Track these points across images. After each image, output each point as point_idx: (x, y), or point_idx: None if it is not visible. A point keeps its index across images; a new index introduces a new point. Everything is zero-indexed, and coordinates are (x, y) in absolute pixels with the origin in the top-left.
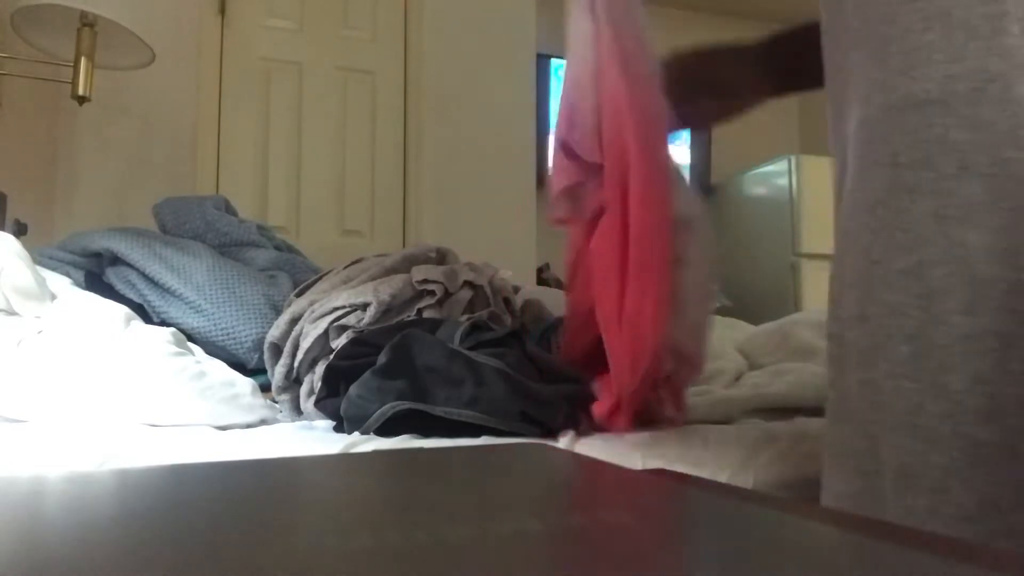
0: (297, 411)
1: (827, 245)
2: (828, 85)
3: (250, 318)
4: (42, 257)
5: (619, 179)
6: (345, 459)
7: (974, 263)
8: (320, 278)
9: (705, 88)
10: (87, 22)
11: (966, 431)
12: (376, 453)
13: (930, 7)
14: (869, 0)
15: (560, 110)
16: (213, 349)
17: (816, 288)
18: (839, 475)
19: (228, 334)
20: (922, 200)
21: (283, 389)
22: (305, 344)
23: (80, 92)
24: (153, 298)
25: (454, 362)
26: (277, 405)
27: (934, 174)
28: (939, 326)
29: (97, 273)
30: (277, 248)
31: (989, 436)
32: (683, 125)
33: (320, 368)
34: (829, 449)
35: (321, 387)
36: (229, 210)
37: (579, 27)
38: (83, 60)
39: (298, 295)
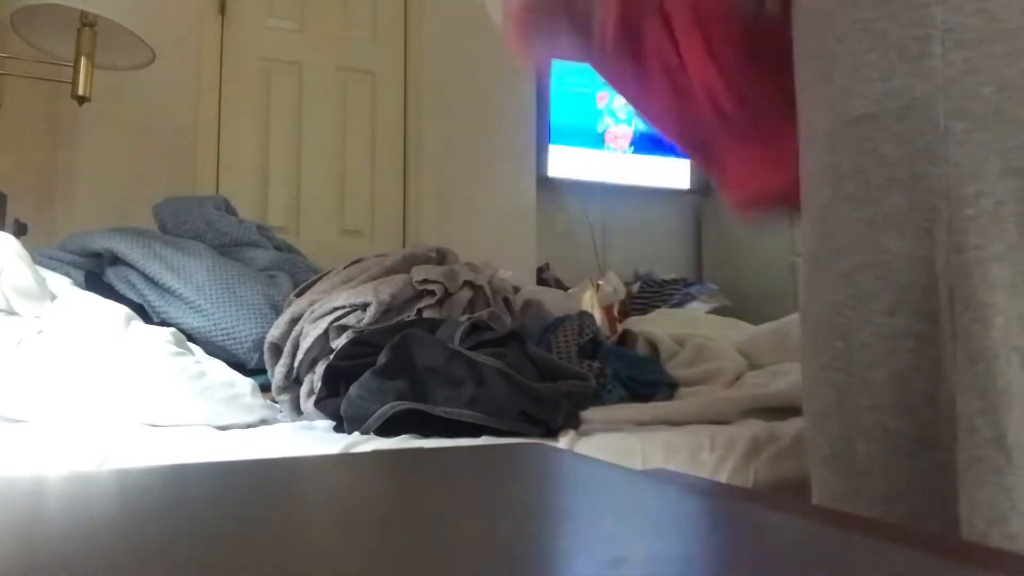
0: (297, 411)
1: None
2: (799, 99)
3: (250, 318)
4: (42, 257)
5: None
6: (345, 459)
7: (896, 268)
8: (320, 278)
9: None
10: (87, 22)
11: (885, 422)
12: (376, 453)
13: (872, 28)
14: (825, 20)
15: None
16: (213, 349)
17: None
18: (816, 463)
19: (228, 334)
20: (858, 208)
21: (283, 389)
22: (305, 344)
23: (80, 92)
24: (153, 298)
25: (454, 362)
26: (277, 405)
27: (867, 185)
28: (867, 325)
29: (97, 273)
30: (277, 248)
31: (904, 428)
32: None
33: (320, 368)
34: (804, 438)
35: (321, 387)
36: (229, 210)
37: None
38: (83, 60)
39: (298, 295)
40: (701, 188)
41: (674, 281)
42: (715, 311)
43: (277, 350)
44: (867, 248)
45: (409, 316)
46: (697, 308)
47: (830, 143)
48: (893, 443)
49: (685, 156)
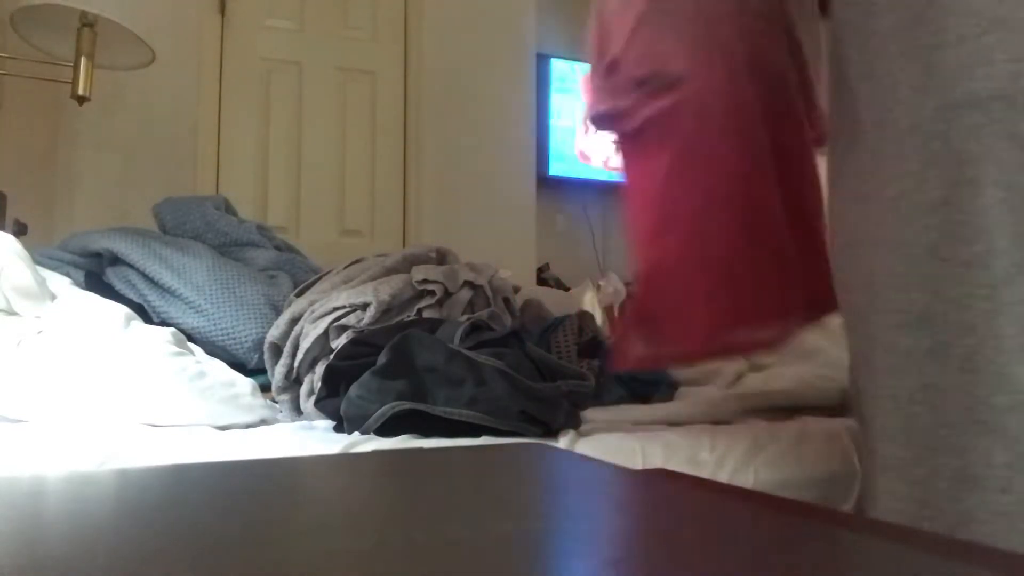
0: (297, 411)
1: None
2: (837, 104)
3: (250, 318)
4: (42, 257)
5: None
6: (345, 459)
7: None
8: (320, 278)
9: None
10: (87, 22)
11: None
12: (376, 453)
13: (984, 14)
14: (915, 15)
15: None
16: (213, 349)
17: None
18: (887, 487)
19: (228, 334)
20: (987, 192)
21: (283, 389)
22: (305, 344)
23: (80, 92)
24: (153, 298)
25: (454, 362)
26: (277, 405)
27: (998, 168)
28: (1004, 316)
29: (97, 273)
30: (277, 248)
31: None
32: None
33: (320, 368)
34: (869, 460)
35: (321, 387)
36: (229, 210)
37: None
38: (83, 60)
39: (298, 295)
40: None
41: None
42: None
43: (277, 350)
44: (1002, 231)
45: (409, 316)
46: None
47: (937, 133)
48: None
49: None
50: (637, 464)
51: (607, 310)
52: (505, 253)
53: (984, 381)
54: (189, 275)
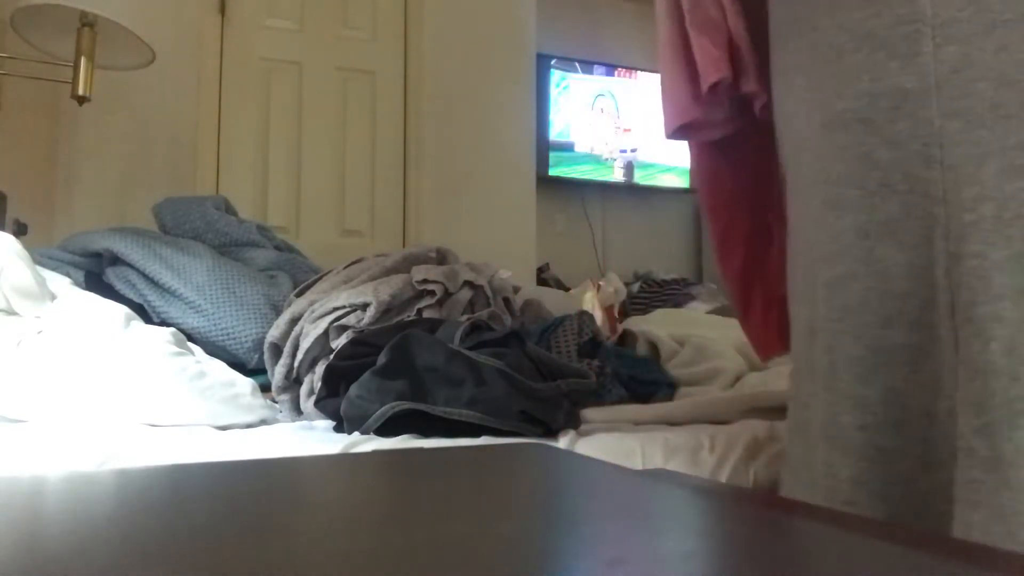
0: (297, 411)
1: None
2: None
3: (250, 318)
4: (42, 257)
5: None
6: (345, 459)
7: (892, 278)
8: (320, 278)
9: None
10: (87, 22)
11: (877, 442)
12: (376, 453)
13: (859, 28)
14: (806, 25)
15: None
16: (213, 349)
17: None
18: (798, 490)
19: (228, 334)
20: (846, 216)
21: (283, 389)
22: (305, 344)
23: (80, 92)
24: (153, 298)
25: (454, 362)
26: (277, 405)
27: (859, 191)
28: (858, 339)
29: (97, 273)
30: (277, 248)
31: (898, 445)
32: None
33: (320, 368)
34: (787, 462)
35: (321, 387)
36: (229, 210)
37: None
38: (83, 60)
39: (298, 295)
40: None
41: (674, 281)
42: (715, 311)
43: (277, 350)
44: (858, 257)
45: (409, 316)
46: (697, 308)
47: (818, 149)
48: (886, 463)
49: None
50: (637, 464)
51: (607, 310)
52: (505, 253)
53: (838, 400)
54: (189, 275)
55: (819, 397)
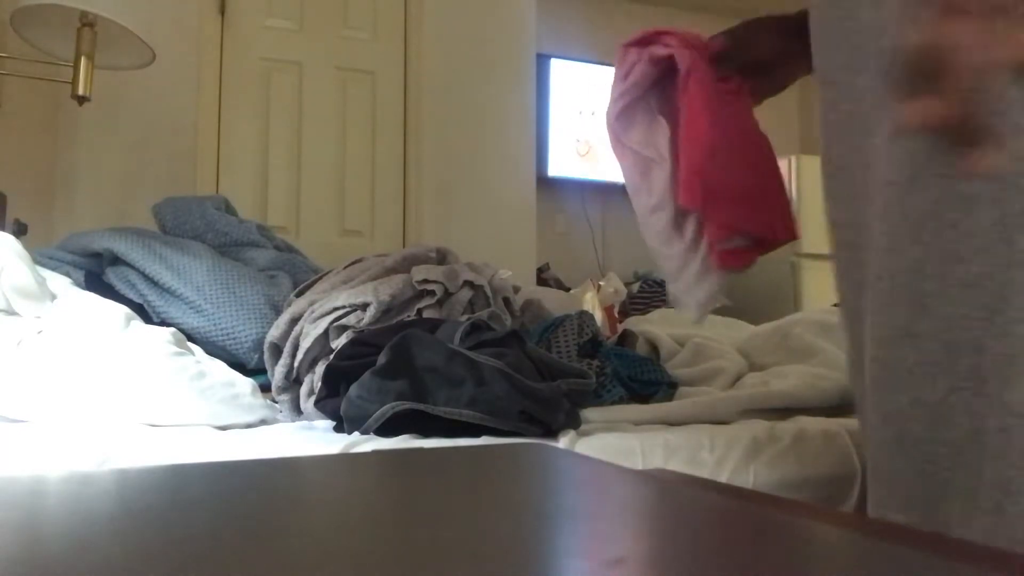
0: (297, 411)
1: (827, 245)
2: (839, 99)
3: (250, 318)
4: (42, 257)
5: None
6: (345, 459)
7: None
8: (320, 278)
9: (751, 63)
10: (87, 22)
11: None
12: (376, 453)
13: None
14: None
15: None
16: (213, 349)
17: (816, 288)
18: (893, 503)
19: (228, 334)
20: (981, 210)
21: (283, 389)
22: (305, 344)
23: (80, 92)
24: (153, 298)
25: (454, 362)
26: (277, 405)
27: (998, 184)
28: (1004, 337)
29: (97, 273)
30: (277, 248)
31: None
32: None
33: (320, 368)
34: (875, 475)
35: (321, 387)
36: (229, 210)
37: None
38: (83, 60)
39: (298, 295)
40: None
41: None
42: (715, 311)
43: (277, 350)
44: (997, 251)
45: (409, 316)
46: None
47: (926, 141)
48: None
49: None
50: (637, 464)
51: (607, 310)
52: (505, 253)
53: (987, 403)
54: (189, 275)
55: (968, 401)
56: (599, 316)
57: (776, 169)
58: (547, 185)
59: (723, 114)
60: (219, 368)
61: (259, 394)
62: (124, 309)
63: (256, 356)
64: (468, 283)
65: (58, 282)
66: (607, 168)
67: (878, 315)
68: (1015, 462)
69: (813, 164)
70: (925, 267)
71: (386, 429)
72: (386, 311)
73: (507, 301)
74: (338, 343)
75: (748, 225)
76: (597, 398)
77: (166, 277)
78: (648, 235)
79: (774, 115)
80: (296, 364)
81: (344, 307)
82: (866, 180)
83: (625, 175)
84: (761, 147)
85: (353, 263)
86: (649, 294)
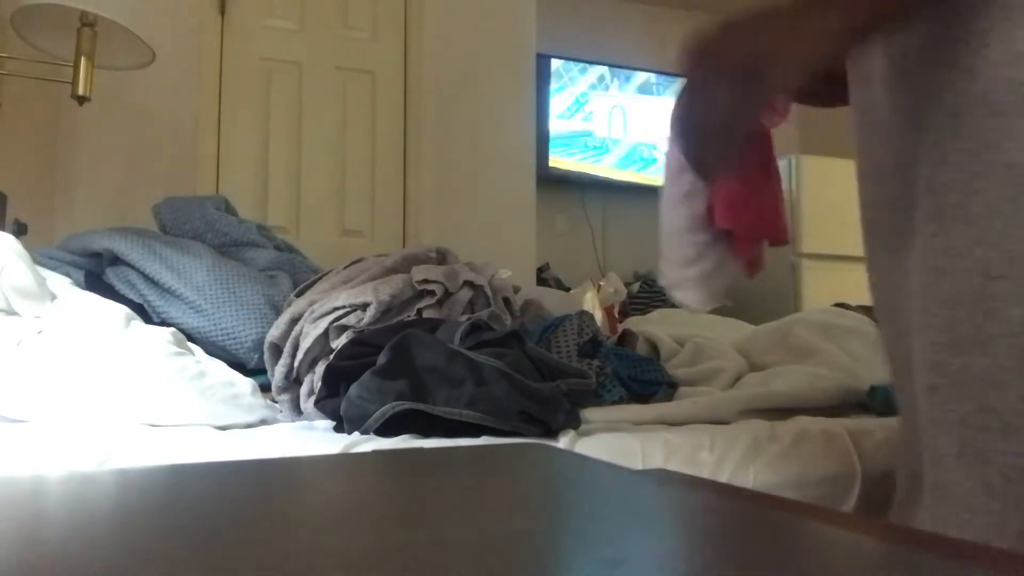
0: (297, 411)
1: (827, 245)
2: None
3: (250, 318)
4: (42, 257)
5: None
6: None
7: None
8: (320, 278)
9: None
10: (87, 22)
11: None
12: (376, 453)
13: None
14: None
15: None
16: (213, 349)
17: (816, 288)
18: (953, 520)
19: (228, 334)
20: None
21: (283, 389)
22: (305, 344)
23: (80, 92)
24: (153, 298)
25: (454, 362)
26: (277, 405)
27: None
28: None
29: (97, 273)
30: (277, 248)
31: None
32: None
33: (320, 368)
34: (936, 492)
35: (321, 387)
36: (229, 210)
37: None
38: (83, 60)
39: (298, 295)
40: None
41: None
42: (715, 311)
43: (277, 350)
44: None
45: (409, 316)
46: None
47: (991, 134)
48: None
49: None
50: (637, 464)
51: (607, 310)
52: (505, 253)
53: None
54: (189, 275)
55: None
56: (599, 316)
57: (777, 169)
58: (547, 185)
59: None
60: (219, 368)
61: (259, 394)
62: (124, 309)
63: (256, 356)
64: (468, 283)
65: (58, 282)
66: (608, 168)
67: (935, 317)
68: None
69: (813, 164)
70: (990, 268)
71: (386, 429)
72: (386, 311)
73: (507, 301)
74: (338, 343)
75: (768, 235)
76: (597, 398)
77: (166, 277)
78: (672, 217)
79: None
80: (296, 364)
81: (344, 307)
82: (912, 178)
83: (669, 156)
84: (771, 149)
85: (353, 263)
86: (649, 294)
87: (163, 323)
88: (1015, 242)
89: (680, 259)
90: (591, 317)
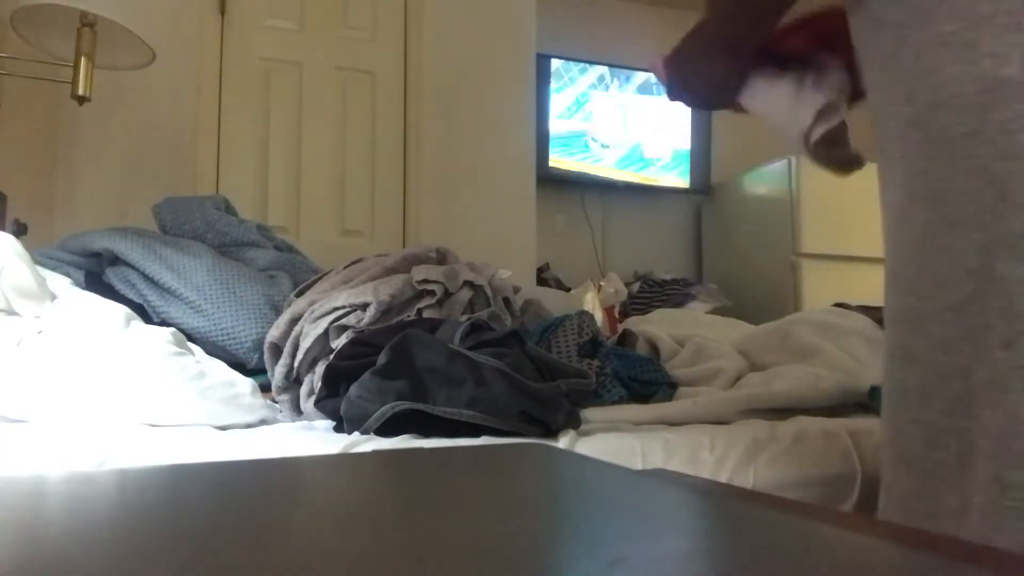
0: (297, 411)
1: (827, 245)
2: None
3: (250, 318)
4: (42, 257)
5: None
6: (345, 459)
7: (1012, 296)
8: (320, 278)
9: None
10: (87, 22)
11: (1001, 475)
12: (376, 453)
13: (958, 38)
14: (906, 34)
15: None
16: (213, 349)
17: (816, 288)
18: (897, 519)
19: (228, 334)
20: (965, 234)
21: (283, 389)
22: (305, 344)
23: (80, 92)
24: (153, 298)
25: (454, 362)
26: (277, 405)
27: (976, 207)
28: (985, 363)
29: (97, 273)
30: (277, 248)
31: (1019, 480)
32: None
33: (320, 368)
34: (884, 489)
35: (321, 387)
36: (229, 210)
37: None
38: (83, 60)
39: (298, 295)
40: (701, 188)
41: (674, 281)
42: (715, 311)
43: (277, 350)
44: (978, 277)
45: (409, 316)
46: (697, 308)
47: (921, 165)
48: (1013, 498)
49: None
50: (637, 464)
51: (607, 310)
52: (505, 253)
53: (974, 428)
54: (189, 275)
55: (956, 425)
56: (599, 316)
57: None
58: (547, 185)
59: None
60: (219, 368)
61: (259, 394)
62: (124, 309)
63: (256, 356)
64: (468, 283)
65: (58, 282)
66: (608, 168)
67: (887, 332)
68: (994, 490)
69: (813, 164)
70: (919, 289)
71: (386, 429)
72: (386, 311)
73: (507, 301)
74: (338, 343)
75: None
76: (597, 398)
77: (166, 277)
78: (778, 104)
79: None
80: (296, 364)
81: (344, 307)
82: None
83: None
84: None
85: (353, 263)
86: (649, 294)
87: (163, 323)
88: (936, 264)
89: (803, 124)
90: (591, 317)
